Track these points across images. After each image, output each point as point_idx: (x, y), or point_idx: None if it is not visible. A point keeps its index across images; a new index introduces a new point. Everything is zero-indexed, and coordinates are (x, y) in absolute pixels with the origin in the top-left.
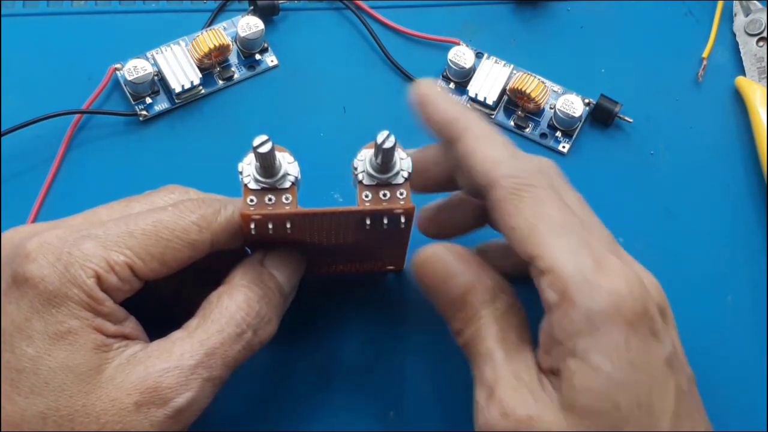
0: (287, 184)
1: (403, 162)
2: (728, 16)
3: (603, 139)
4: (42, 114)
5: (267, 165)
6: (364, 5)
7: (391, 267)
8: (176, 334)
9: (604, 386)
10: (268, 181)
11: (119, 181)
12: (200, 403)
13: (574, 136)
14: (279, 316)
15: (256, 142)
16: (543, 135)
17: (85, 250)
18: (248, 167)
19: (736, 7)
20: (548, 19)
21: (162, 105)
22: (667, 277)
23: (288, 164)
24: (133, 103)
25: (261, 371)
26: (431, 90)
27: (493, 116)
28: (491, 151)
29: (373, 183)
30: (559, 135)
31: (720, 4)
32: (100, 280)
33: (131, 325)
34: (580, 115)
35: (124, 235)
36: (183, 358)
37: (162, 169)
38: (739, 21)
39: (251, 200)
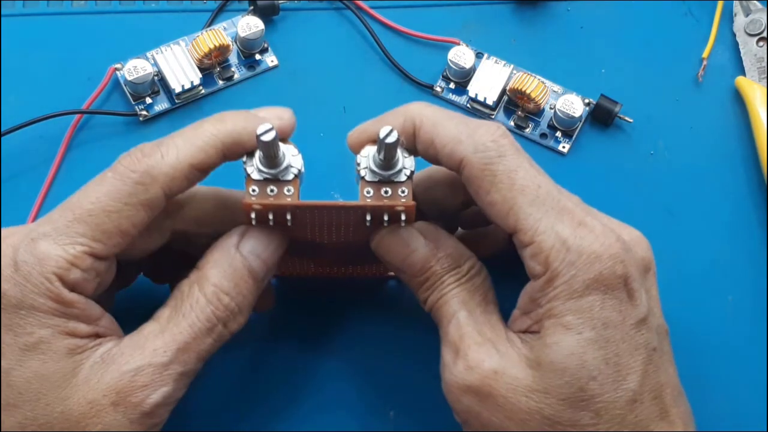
0: (290, 176)
1: (406, 160)
2: (728, 16)
3: (603, 139)
4: (42, 114)
5: (270, 154)
6: (364, 5)
7: (392, 273)
8: (148, 327)
9: (573, 343)
10: (271, 171)
11: None
12: (176, 395)
13: (574, 136)
14: (251, 304)
15: (260, 129)
16: (543, 135)
17: (39, 254)
18: (252, 158)
19: (736, 7)
20: (548, 19)
21: (162, 105)
22: (667, 277)
23: (292, 156)
24: (133, 103)
25: (261, 371)
26: (364, 126)
27: (493, 116)
28: (449, 131)
29: (376, 180)
30: (559, 135)
31: (720, 4)
32: (63, 281)
33: (105, 323)
34: (580, 115)
35: (72, 223)
36: (156, 355)
37: None
38: (739, 21)
39: (253, 190)
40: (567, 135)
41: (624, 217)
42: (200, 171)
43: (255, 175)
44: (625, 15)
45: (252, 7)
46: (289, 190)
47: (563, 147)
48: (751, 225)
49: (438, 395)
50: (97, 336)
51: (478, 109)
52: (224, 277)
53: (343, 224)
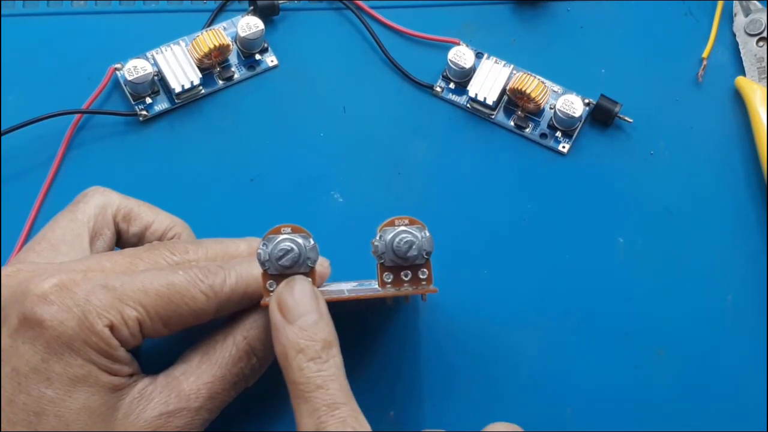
0: (307, 269)
1: (424, 242)
2: (728, 16)
3: (603, 139)
4: (42, 114)
5: (288, 268)
6: (364, 5)
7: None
8: (179, 370)
9: None
10: (288, 271)
11: (119, 181)
12: None
13: (574, 136)
14: (269, 363)
15: (279, 253)
16: (543, 135)
17: (103, 299)
18: (266, 254)
19: (736, 7)
20: (548, 19)
21: (162, 105)
22: (667, 277)
23: (308, 249)
24: (133, 103)
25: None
26: (280, 306)
27: (493, 116)
28: (301, 423)
29: (394, 264)
30: (559, 135)
31: (720, 4)
32: (113, 330)
33: (134, 364)
34: (580, 115)
35: (139, 292)
36: (190, 400)
37: (162, 169)
38: (739, 21)
39: (270, 284)
40: (567, 135)
41: (624, 217)
42: (251, 300)
43: (272, 271)
44: (625, 15)
45: (252, 7)
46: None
47: (563, 147)
48: (751, 225)
49: (437, 395)
50: (132, 375)
51: (478, 109)
52: (259, 339)
53: (362, 304)
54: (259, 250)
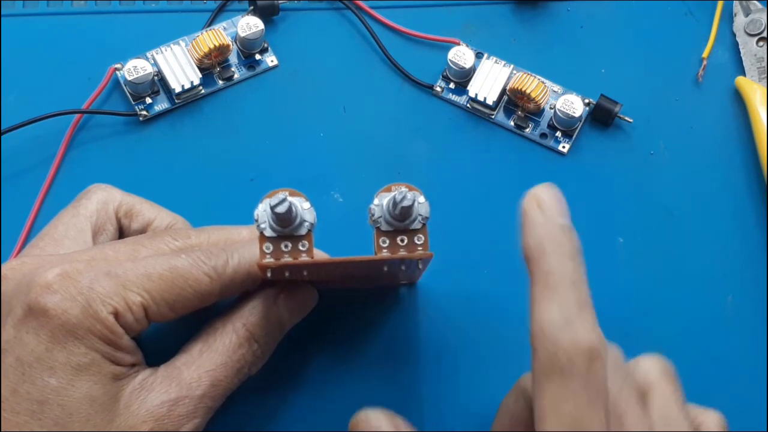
0: (304, 231)
1: (421, 206)
2: (728, 16)
3: (603, 139)
4: (42, 114)
5: (284, 221)
6: (364, 5)
7: (404, 282)
8: (181, 360)
9: None
10: (284, 230)
11: (119, 181)
12: (202, 427)
13: (574, 136)
14: (273, 349)
15: (273, 201)
16: (543, 135)
17: (106, 286)
18: (263, 214)
19: (736, 7)
20: (548, 19)
21: (162, 105)
22: (667, 277)
23: (304, 210)
24: (133, 103)
25: (260, 371)
26: (538, 203)
27: (493, 116)
28: (549, 311)
29: (391, 229)
30: (559, 135)
31: (720, 4)
32: (117, 317)
33: (138, 354)
34: (580, 115)
35: (143, 277)
36: (191, 388)
37: (162, 169)
38: (739, 21)
39: (267, 247)
40: (567, 135)
41: (624, 217)
42: (254, 281)
43: (268, 233)
44: (625, 15)
45: (252, 7)
46: (303, 245)
47: (563, 147)
48: (751, 225)
49: (437, 395)
50: (134, 365)
51: (478, 109)
52: (259, 325)
53: (358, 269)
54: (255, 211)
